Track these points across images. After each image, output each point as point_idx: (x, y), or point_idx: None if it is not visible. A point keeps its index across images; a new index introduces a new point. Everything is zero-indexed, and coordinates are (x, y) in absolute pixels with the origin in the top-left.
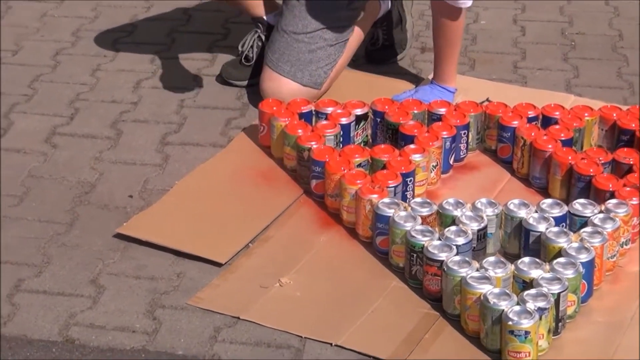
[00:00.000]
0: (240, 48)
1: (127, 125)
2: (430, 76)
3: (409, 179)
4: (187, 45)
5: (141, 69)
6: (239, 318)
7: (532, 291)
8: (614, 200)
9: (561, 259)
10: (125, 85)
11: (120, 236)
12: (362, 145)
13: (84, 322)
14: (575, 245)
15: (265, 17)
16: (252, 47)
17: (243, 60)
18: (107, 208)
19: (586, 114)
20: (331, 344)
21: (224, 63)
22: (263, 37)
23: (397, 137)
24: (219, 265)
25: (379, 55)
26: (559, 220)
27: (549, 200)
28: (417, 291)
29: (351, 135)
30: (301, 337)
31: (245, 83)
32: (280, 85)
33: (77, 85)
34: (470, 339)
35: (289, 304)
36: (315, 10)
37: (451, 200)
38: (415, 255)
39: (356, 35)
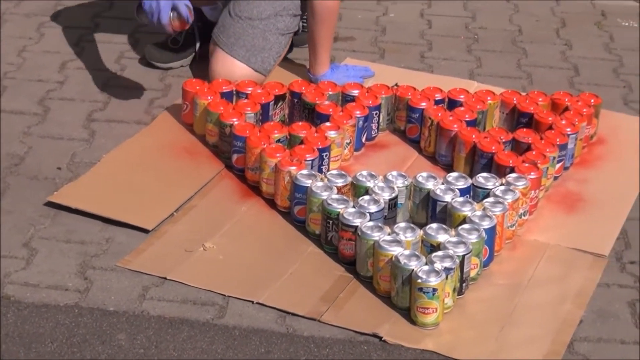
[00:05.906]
0: None
1: (54, 102)
2: (345, 62)
3: (324, 154)
4: (111, 29)
5: (66, 51)
6: (165, 278)
7: (439, 253)
8: (513, 175)
9: (466, 225)
10: (51, 65)
11: (50, 204)
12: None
13: (18, 281)
14: (478, 213)
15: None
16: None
17: (170, 42)
18: (36, 179)
19: (489, 98)
20: (253, 302)
21: (148, 44)
22: (195, 26)
23: (313, 116)
24: (146, 231)
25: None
26: (463, 192)
27: (454, 174)
28: (332, 256)
29: (270, 114)
30: (224, 295)
31: (168, 65)
32: (234, 69)
33: (4, 65)
34: (381, 298)
35: (212, 266)
36: None
37: (364, 173)
38: (331, 222)
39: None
